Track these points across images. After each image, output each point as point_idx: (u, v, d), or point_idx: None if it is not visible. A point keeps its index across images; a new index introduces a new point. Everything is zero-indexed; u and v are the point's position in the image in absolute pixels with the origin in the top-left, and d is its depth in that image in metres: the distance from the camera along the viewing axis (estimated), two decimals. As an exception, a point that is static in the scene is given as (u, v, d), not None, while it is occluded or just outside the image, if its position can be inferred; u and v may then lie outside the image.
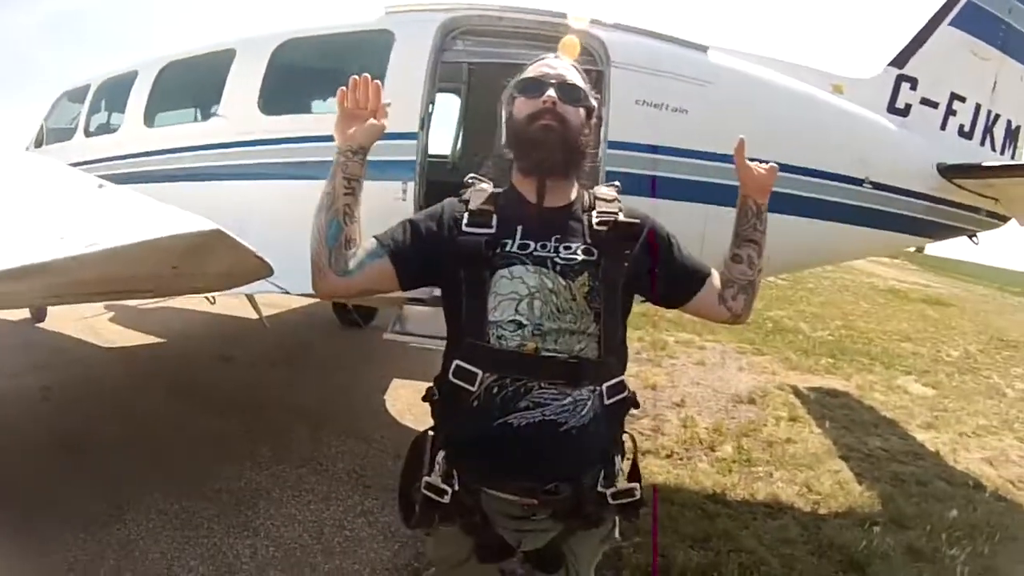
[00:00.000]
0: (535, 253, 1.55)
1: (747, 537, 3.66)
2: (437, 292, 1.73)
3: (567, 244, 1.57)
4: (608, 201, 1.67)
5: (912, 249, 21.48)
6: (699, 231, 3.18)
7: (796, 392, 6.87)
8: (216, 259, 1.79)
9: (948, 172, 4.32)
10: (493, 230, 1.58)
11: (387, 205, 3.58)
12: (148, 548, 3.25)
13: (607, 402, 1.56)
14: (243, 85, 4.34)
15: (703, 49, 3.99)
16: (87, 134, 5.75)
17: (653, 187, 3.69)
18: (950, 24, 4.55)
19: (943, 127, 4.63)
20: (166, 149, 4.73)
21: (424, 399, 1.66)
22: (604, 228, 1.60)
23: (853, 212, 4.12)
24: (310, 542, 3.41)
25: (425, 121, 3.87)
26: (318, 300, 7.20)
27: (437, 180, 3.96)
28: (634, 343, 1.80)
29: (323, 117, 3.99)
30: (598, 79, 3.61)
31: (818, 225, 4.02)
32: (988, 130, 4.82)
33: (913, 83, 4.51)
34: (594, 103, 1.71)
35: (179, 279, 2.06)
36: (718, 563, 3.37)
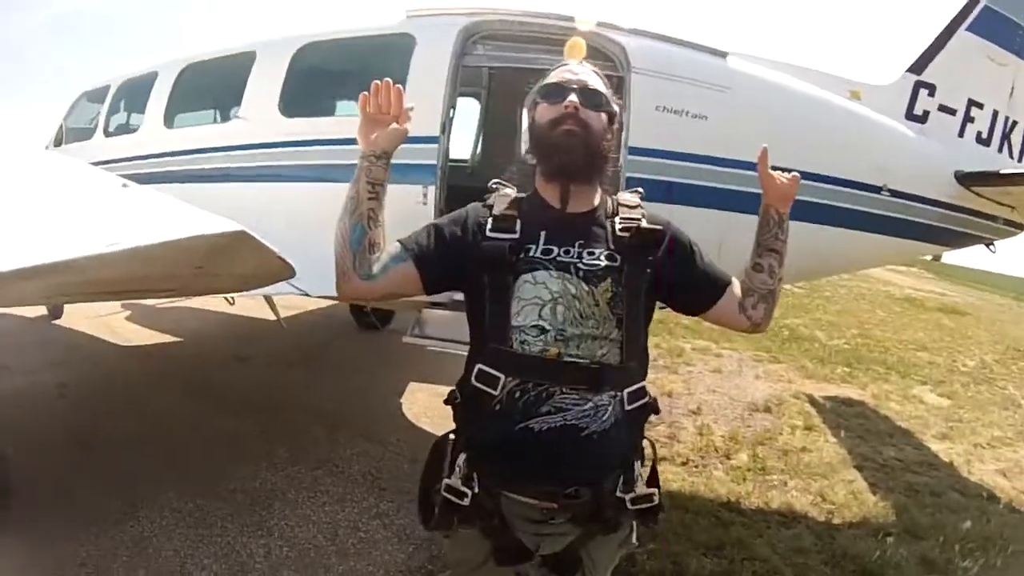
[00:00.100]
0: (558, 258, 1.55)
1: (761, 546, 3.64)
2: (457, 296, 1.73)
3: (590, 250, 1.57)
4: (631, 207, 1.67)
5: (929, 257, 21.33)
6: (717, 238, 3.16)
7: (812, 401, 6.82)
8: (240, 260, 1.81)
9: (966, 180, 4.28)
10: (517, 235, 1.58)
11: (408, 209, 3.57)
12: (161, 546, 3.28)
13: (628, 407, 1.56)
14: (263, 87, 4.36)
15: (722, 55, 3.98)
16: (107, 134, 5.80)
17: (672, 193, 3.68)
18: (967, 29, 4.53)
19: (961, 134, 4.60)
20: (186, 150, 4.76)
21: (446, 402, 1.67)
22: (627, 234, 1.60)
23: (871, 220, 4.09)
24: (324, 543, 3.42)
25: (446, 125, 3.87)
26: (335, 302, 7.23)
27: (457, 184, 3.97)
28: (651, 350, 1.80)
29: (343, 120, 4.03)
30: (619, 85, 3.60)
31: (836, 233, 3.99)
32: (1006, 137, 4.79)
33: (931, 89, 4.49)
34: (616, 108, 1.72)
35: (202, 279, 2.09)
36: (731, 571, 3.37)
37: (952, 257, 28.38)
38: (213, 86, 5.06)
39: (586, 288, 1.53)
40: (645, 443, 1.72)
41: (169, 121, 5.08)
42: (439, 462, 1.69)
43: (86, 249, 1.47)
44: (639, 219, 1.63)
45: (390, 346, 7.03)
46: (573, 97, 1.61)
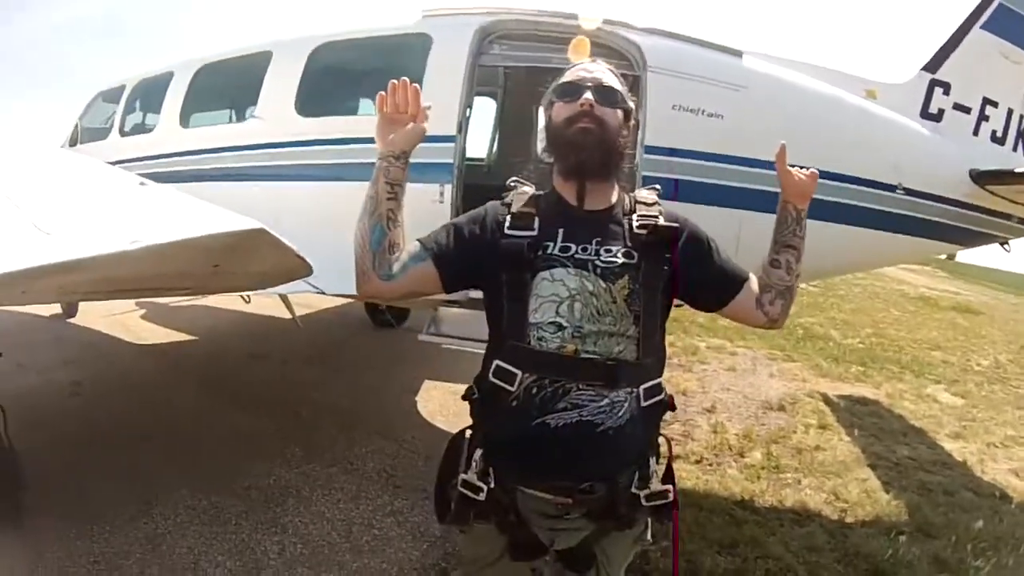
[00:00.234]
0: (576, 256, 1.56)
1: (774, 544, 3.63)
2: (472, 294, 1.74)
3: (608, 247, 1.58)
4: (648, 205, 1.68)
5: (943, 256, 21.18)
6: (733, 236, 3.15)
7: (826, 400, 6.79)
8: (258, 258, 1.82)
9: (981, 178, 4.25)
10: (535, 233, 1.59)
11: (424, 208, 3.59)
12: (175, 543, 3.30)
13: (644, 404, 1.57)
14: (280, 87, 4.37)
15: (738, 54, 3.96)
16: (122, 134, 5.83)
17: (689, 192, 3.68)
18: (982, 27, 4.48)
19: (976, 132, 4.56)
20: (201, 149, 4.78)
21: (463, 398, 1.68)
22: (644, 231, 1.60)
23: (886, 218, 4.07)
24: (338, 540, 3.44)
25: (463, 124, 3.87)
26: (351, 300, 7.25)
27: (473, 183, 3.97)
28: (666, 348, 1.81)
29: (360, 119, 4.04)
30: (635, 84, 3.60)
31: (850, 231, 3.97)
32: (1021, 135, 4.73)
33: (946, 88, 4.46)
34: (631, 105, 1.72)
35: (220, 277, 2.09)
36: (745, 569, 3.37)
37: (966, 256, 28.14)
38: (229, 86, 5.07)
39: (603, 285, 1.54)
40: (661, 440, 1.73)
41: (185, 121, 5.10)
42: (455, 457, 1.70)
43: (104, 247, 1.48)
44: (656, 216, 1.63)
45: (405, 344, 7.09)
46: (588, 95, 1.62)
